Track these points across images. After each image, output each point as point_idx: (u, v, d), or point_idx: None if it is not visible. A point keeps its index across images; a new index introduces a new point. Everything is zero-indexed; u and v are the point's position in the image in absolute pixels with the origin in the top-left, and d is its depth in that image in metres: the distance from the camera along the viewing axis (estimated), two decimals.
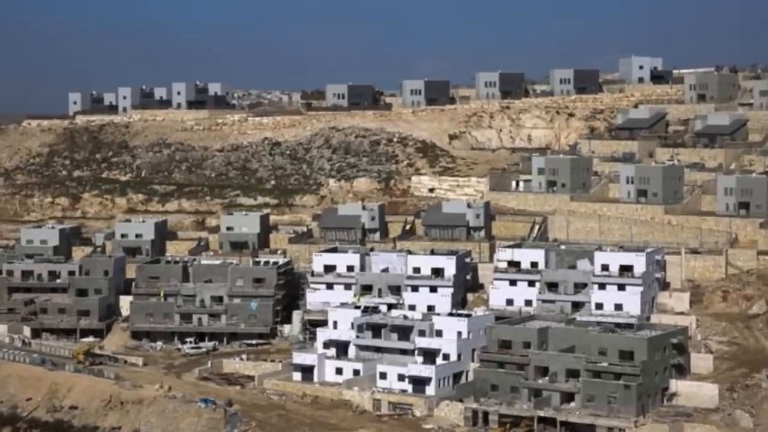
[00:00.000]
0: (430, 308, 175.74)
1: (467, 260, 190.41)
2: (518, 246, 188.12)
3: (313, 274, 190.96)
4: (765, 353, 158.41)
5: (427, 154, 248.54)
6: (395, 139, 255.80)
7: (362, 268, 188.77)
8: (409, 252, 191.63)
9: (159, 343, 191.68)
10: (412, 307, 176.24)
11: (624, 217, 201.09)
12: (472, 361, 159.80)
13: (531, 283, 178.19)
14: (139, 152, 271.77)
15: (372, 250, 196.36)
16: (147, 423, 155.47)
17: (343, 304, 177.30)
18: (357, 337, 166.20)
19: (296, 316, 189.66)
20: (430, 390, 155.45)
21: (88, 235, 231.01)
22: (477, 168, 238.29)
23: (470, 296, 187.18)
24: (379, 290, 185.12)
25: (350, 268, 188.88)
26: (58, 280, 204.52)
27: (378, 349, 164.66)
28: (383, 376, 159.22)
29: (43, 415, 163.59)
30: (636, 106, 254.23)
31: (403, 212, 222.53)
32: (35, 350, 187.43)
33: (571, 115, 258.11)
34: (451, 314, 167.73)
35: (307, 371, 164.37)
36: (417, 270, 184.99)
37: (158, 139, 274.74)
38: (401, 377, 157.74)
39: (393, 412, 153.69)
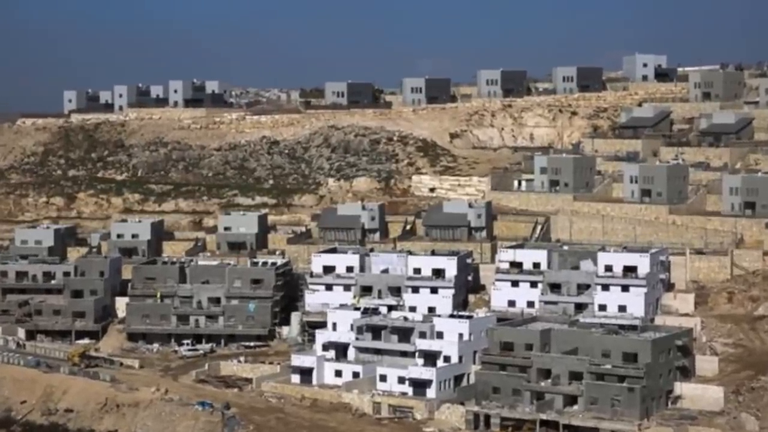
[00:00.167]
0: (431, 310, 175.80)
1: (468, 261, 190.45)
2: (520, 246, 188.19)
3: (312, 275, 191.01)
4: None
5: (427, 153, 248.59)
6: (395, 138, 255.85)
7: (362, 268, 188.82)
8: (410, 252, 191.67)
9: (155, 345, 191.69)
10: (412, 309, 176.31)
11: (628, 217, 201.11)
12: (474, 363, 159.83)
13: (533, 284, 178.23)
14: (136, 151, 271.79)
15: (372, 250, 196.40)
16: (143, 426, 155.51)
17: (342, 306, 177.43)
18: (356, 339, 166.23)
19: (295, 317, 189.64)
20: (431, 393, 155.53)
21: (84, 236, 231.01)
22: (478, 167, 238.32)
23: (471, 297, 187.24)
24: (379, 291, 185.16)
25: (350, 269, 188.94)
26: (53, 281, 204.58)
27: (378, 351, 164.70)
28: (383, 378, 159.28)
29: (37, 418, 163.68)
30: (640, 105, 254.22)
31: (403, 212, 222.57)
32: (30, 352, 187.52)
33: (574, 113, 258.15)
34: (452, 316, 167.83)
35: (305, 374, 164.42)
36: (417, 271, 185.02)
37: (155, 137, 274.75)
38: (401, 380, 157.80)
39: (393, 415, 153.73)
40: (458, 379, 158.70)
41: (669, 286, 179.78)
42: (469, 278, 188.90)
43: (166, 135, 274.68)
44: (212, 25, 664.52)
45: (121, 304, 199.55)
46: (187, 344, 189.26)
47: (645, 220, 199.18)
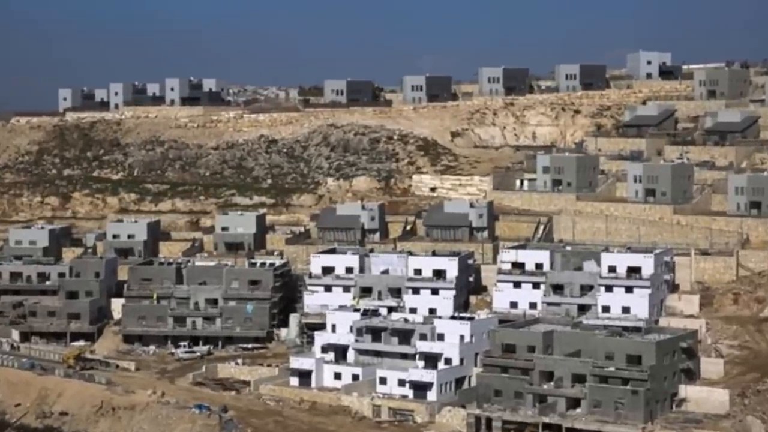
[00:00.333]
0: (432, 311, 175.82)
1: (470, 262, 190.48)
2: (522, 247, 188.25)
3: (310, 276, 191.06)
4: None
5: (428, 152, 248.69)
6: (395, 137, 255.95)
7: (361, 269, 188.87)
8: (410, 253, 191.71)
9: (152, 347, 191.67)
10: (413, 310, 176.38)
11: (632, 217, 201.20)
12: (475, 365, 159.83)
13: (536, 285, 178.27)
14: (132, 150, 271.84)
15: (372, 251, 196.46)
16: (139, 430, 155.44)
17: (341, 307, 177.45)
18: (356, 340, 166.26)
19: (293, 319, 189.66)
20: (432, 396, 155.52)
21: (79, 236, 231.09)
22: (480, 166, 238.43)
23: (473, 299, 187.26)
24: (379, 293, 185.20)
25: (349, 270, 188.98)
26: (47, 282, 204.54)
27: (378, 354, 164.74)
28: (383, 381, 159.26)
29: (32, 422, 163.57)
30: (644, 103, 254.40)
31: (403, 212, 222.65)
32: (24, 354, 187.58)
33: (577, 111, 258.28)
34: (453, 317, 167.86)
35: (304, 376, 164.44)
36: (418, 272, 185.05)
37: (151, 136, 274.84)
38: (402, 382, 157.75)
39: (393, 419, 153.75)
40: (459, 381, 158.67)
41: (673, 287, 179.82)
42: (471, 279, 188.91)
43: (163, 134, 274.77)
44: (209, 21, 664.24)
45: (116, 305, 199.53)
46: (184, 346, 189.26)
47: (649, 220, 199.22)
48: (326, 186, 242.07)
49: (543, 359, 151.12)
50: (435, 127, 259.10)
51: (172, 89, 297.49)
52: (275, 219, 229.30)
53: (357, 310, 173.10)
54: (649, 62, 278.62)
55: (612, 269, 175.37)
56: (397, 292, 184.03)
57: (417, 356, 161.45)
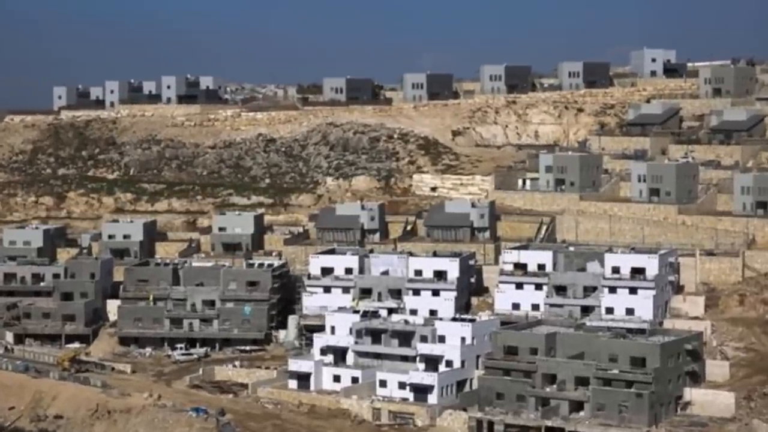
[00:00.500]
0: (433, 313, 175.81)
1: (471, 262, 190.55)
2: (525, 247, 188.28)
3: (309, 277, 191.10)
4: None
5: (429, 151, 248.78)
6: (396, 136, 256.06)
7: (361, 270, 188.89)
8: (411, 254, 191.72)
9: (148, 350, 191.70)
10: (413, 312, 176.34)
11: (636, 218, 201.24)
12: (477, 368, 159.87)
13: (538, 287, 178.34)
14: (127, 149, 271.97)
15: (371, 251, 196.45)
16: None
17: (341, 309, 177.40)
18: (356, 343, 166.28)
19: (292, 321, 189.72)
20: (433, 398, 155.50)
21: (74, 236, 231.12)
22: (481, 166, 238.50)
23: (474, 300, 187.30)
24: (379, 294, 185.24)
25: (349, 271, 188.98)
26: (42, 284, 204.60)
27: (378, 356, 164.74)
28: (383, 383, 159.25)
29: (26, 425, 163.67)
30: (648, 101, 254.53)
31: (404, 212, 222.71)
32: (18, 357, 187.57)
33: (580, 110, 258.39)
34: (454, 319, 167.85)
35: (303, 379, 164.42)
36: (419, 273, 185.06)
37: (147, 135, 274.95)
38: (402, 385, 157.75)
39: (393, 422, 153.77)
40: (461, 384, 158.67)
41: (678, 289, 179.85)
42: (472, 280, 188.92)
43: (159, 132, 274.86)
44: (206, 18, 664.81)
45: (112, 306, 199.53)
46: (181, 348, 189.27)
47: (653, 221, 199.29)
48: (325, 185, 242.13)
49: (545, 362, 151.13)
50: (436, 126, 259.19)
51: (168, 87, 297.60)
52: (273, 219, 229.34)
53: (356, 312, 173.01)
54: (653, 60, 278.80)
55: (616, 270, 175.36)
56: (397, 294, 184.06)
57: (417, 358, 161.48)
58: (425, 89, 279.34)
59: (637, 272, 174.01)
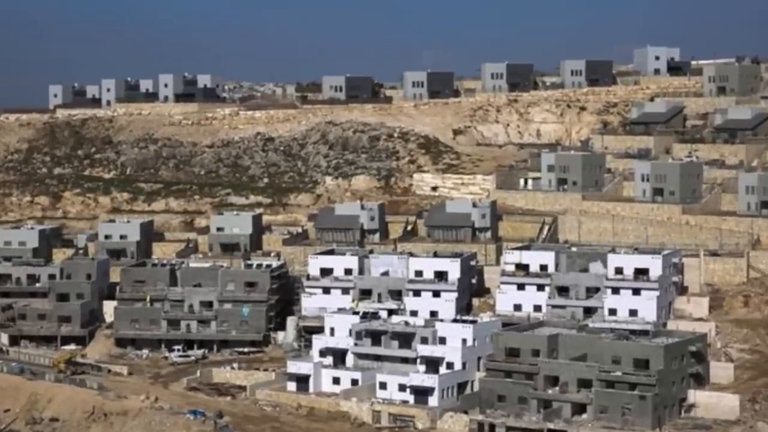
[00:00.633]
0: (433, 314, 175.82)
1: (472, 263, 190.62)
2: (527, 248, 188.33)
3: (308, 277, 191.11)
4: None
5: (429, 151, 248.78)
6: (396, 135, 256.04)
7: (361, 271, 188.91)
8: (411, 254, 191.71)
9: (145, 351, 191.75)
10: (413, 313, 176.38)
11: (639, 218, 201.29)
12: (478, 370, 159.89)
13: (540, 288, 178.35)
14: (124, 148, 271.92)
15: (371, 252, 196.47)
16: None
17: (340, 310, 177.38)
18: (355, 344, 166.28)
19: (291, 322, 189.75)
20: (433, 401, 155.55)
21: (70, 237, 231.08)
22: (483, 165, 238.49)
23: (475, 301, 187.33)
24: (379, 295, 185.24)
25: (348, 272, 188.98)
26: (37, 284, 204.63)
27: (378, 358, 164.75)
28: (383, 386, 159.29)
29: (21, 428, 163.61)
30: (652, 100, 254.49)
31: (404, 212, 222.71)
32: (13, 358, 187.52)
33: (582, 108, 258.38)
34: (455, 320, 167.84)
35: (302, 381, 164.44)
36: (419, 273, 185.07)
37: (144, 134, 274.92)
38: (402, 387, 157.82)
39: (393, 425, 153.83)
40: (462, 386, 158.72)
41: (682, 290, 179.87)
42: (473, 281, 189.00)
43: (156, 131, 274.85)
44: (204, 16, 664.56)
45: (108, 308, 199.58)
46: (178, 350, 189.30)
47: (657, 221, 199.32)
48: (324, 185, 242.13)
49: (548, 363, 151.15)
50: (436, 125, 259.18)
51: (165, 85, 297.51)
52: (272, 219, 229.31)
53: (356, 313, 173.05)
54: (657, 57, 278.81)
55: (619, 271, 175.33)
56: (397, 295, 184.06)
57: (418, 360, 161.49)
58: (426, 87, 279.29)
59: (641, 273, 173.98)
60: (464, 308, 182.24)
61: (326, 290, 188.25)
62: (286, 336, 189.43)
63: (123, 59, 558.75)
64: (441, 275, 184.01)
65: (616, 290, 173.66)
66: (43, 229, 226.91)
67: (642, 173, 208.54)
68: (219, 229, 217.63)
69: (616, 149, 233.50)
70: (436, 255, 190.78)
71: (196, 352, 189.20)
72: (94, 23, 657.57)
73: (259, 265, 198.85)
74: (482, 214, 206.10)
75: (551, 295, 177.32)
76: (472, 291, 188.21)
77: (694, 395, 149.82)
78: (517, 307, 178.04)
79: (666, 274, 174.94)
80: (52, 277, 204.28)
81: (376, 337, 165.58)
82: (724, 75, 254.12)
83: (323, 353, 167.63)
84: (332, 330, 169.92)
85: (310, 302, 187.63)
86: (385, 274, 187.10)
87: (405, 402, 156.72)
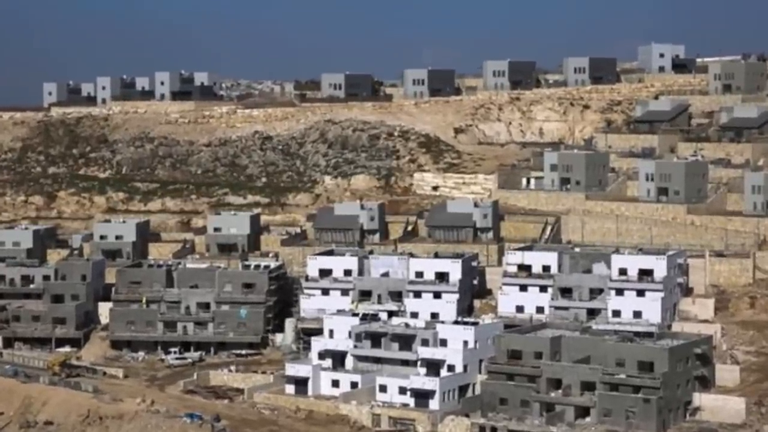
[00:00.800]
0: (434, 316, 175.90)
1: (474, 264, 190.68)
2: (529, 248, 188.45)
3: (307, 278, 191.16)
4: None
5: (430, 150, 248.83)
6: (396, 133, 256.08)
7: (360, 272, 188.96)
8: (411, 255, 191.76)
9: (141, 354, 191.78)
10: (414, 315, 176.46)
11: (643, 218, 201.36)
12: (479, 372, 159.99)
13: (543, 289, 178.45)
14: (120, 147, 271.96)
15: (371, 252, 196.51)
16: None
17: (339, 312, 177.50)
18: (355, 346, 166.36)
19: (289, 324, 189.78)
20: (434, 404, 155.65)
21: (65, 237, 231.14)
22: (484, 164, 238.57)
23: (477, 303, 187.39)
24: (379, 296, 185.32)
25: (348, 273, 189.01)
26: (31, 286, 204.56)
27: (377, 360, 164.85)
28: (383, 389, 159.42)
29: (15, 431, 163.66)
30: (656, 98, 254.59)
31: (404, 212, 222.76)
32: (7, 361, 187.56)
33: (586, 106, 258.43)
34: (456, 322, 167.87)
35: (300, 384, 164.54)
36: (420, 274, 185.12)
37: (140, 132, 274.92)
38: (402, 390, 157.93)
39: (394, 428, 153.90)
40: (463, 389, 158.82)
41: (687, 291, 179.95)
42: (475, 282, 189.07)
43: (152, 130, 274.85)
44: (201, 12, 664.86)
45: (104, 309, 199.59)
46: (175, 352, 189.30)
47: (662, 221, 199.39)
48: (323, 185, 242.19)
49: (550, 366, 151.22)
50: (437, 123, 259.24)
51: (162, 83, 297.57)
52: (270, 219, 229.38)
53: (356, 315, 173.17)
54: (661, 55, 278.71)
55: (623, 272, 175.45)
56: (397, 296, 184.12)
57: (418, 363, 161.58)
58: (426, 85, 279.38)
59: (645, 274, 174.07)
60: (465, 310, 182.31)
61: (325, 291, 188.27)
62: (285, 338, 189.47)
63: (118, 56, 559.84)
64: (442, 276, 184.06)
65: (619, 291, 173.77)
66: (38, 229, 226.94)
67: (646, 173, 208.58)
68: (216, 230, 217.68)
69: (620, 148, 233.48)
70: (436, 256, 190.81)
71: (193, 355, 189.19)
72: (90, 20, 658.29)
73: (257, 266, 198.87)
74: (484, 214, 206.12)
75: (554, 296, 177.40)
76: (474, 292, 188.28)
77: (700, 398, 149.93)
78: (520, 309, 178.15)
79: (671, 275, 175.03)
80: (46, 278, 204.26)
81: (376, 339, 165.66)
82: (729, 73, 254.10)
83: (322, 355, 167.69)
84: (331, 332, 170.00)
85: (309, 304, 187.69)
86: (385, 275, 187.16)
87: (405, 405, 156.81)
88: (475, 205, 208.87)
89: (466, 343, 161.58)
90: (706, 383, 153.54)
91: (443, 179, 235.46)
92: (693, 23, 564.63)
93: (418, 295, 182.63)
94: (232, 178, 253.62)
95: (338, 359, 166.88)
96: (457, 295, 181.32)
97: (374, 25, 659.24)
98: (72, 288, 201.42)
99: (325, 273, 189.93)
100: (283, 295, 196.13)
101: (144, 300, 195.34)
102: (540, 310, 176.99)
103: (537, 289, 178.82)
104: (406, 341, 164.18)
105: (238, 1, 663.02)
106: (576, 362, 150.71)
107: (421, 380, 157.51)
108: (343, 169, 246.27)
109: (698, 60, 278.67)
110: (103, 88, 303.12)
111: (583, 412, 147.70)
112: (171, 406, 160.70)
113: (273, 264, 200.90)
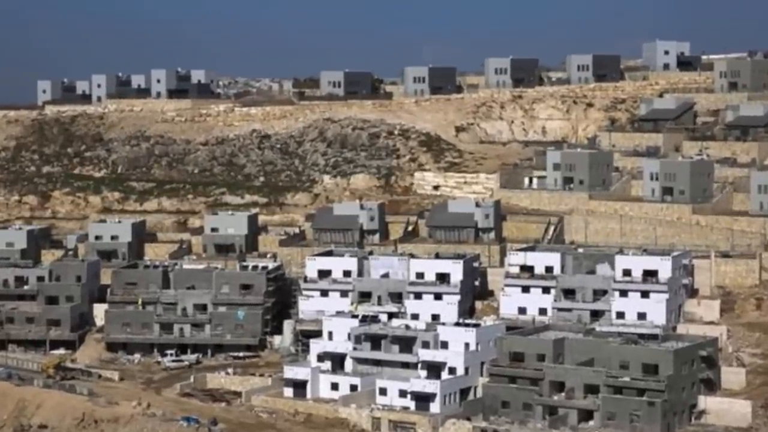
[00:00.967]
0: (435, 317, 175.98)
1: (475, 265, 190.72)
2: (531, 249, 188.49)
3: (306, 279, 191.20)
4: None
5: (431, 148, 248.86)
6: (396, 132, 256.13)
7: (360, 273, 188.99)
8: (412, 256, 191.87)
9: (137, 356, 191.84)
10: (414, 316, 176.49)
11: (648, 218, 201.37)
12: (481, 375, 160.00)
13: (545, 290, 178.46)
14: (115, 146, 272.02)
15: (371, 253, 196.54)
16: None
17: (339, 313, 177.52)
18: (354, 349, 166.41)
19: (287, 326, 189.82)
20: (435, 407, 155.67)
21: (59, 237, 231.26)
22: (486, 163, 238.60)
23: (479, 304, 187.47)
24: (379, 297, 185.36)
25: (347, 274, 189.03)
26: (25, 287, 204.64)
27: (377, 363, 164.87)
28: (383, 391, 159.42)
29: None
30: (661, 96, 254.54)
31: (405, 212, 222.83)
32: (1, 363, 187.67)
33: (589, 105, 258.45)
34: (457, 324, 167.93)
35: (299, 387, 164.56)
36: (420, 275, 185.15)
37: (136, 131, 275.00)
38: (403, 393, 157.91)
39: None
40: (464, 392, 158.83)
41: (692, 292, 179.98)
42: (476, 283, 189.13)
43: (149, 128, 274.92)
44: (198, 9, 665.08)
45: (99, 311, 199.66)
46: (171, 355, 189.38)
47: (666, 221, 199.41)
48: (322, 184, 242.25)
49: (553, 368, 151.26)
50: (438, 122, 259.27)
51: (158, 81, 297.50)
52: (268, 219, 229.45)
53: (355, 317, 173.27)
54: (666, 52, 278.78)
55: (627, 273, 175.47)
56: (397, 297, 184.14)
57: (419, 365, 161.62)
58: (427, 83, 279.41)
59: (650, 275, 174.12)
60: (467, 311, 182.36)
61: (324, 293, 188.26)
62: (283, 340, 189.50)
63: (114, 54, 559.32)
64: (443, 277, 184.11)
65: (624, 293, 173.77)
66: (32, 229, 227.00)
67: (651, 172, 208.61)
68: (213, 230, 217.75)
69: (624, 147, 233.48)
70: (437, 256, 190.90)
71: (190, 357, 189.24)
72: (84, 16, 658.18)
73: (255, 267, 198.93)
74: (485, 214, 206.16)
75: (557, 297, 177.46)
76: (475, 293, 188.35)
77: (705, 401, 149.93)
78: (522, 310, 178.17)
79: (676, 276, 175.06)
80: (40, 279, 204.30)
81: (375, 341, 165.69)
82: (735, 70, 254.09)
83: (321, 358, 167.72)
84: (330, 334, 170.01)
85: (308, 305, 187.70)
86: (385, 276, 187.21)
87: (406, 408, 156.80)
88: (477, 204, 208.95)
89: (467, 345, 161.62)
90: (712, 386, 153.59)
91: (444, 179, 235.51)
92: (698, 20, 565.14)
93: (418, 296, 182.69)
94: (230, 178, 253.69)
95: (337, 361, 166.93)
96: (458, 297, 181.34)
97: (374, 22, 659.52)
98: (67, 289, 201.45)
99: (324, 274, 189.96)
100: (282, 296, 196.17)
101: (140, 301, 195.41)
102: (543, 311, 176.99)
103: (540, 290, 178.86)
104: (406, 343, 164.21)
105: None
106: (579, 365, 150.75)
107: (421, 383, 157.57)
108: (343, 169, 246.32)
109: (703, 57, 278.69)
110: (99, 86, 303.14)
111: (586, 415, 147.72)
112: (167, 409, 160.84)
113: (271, 265, 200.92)
